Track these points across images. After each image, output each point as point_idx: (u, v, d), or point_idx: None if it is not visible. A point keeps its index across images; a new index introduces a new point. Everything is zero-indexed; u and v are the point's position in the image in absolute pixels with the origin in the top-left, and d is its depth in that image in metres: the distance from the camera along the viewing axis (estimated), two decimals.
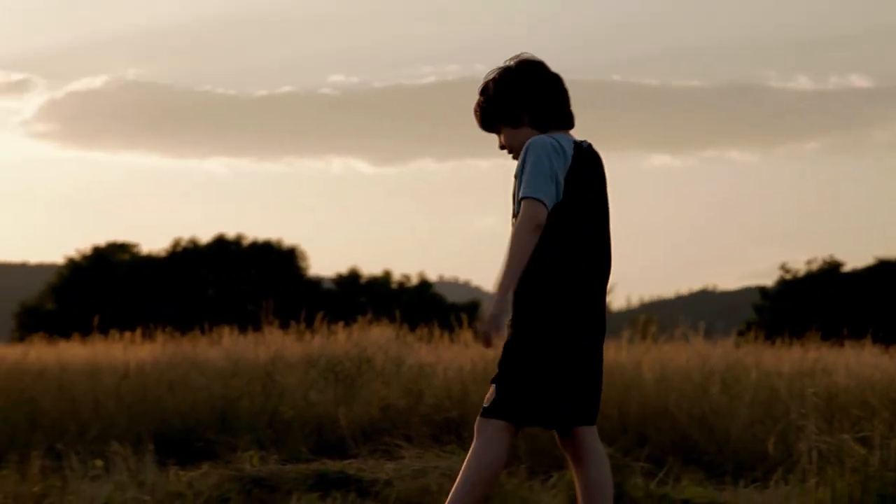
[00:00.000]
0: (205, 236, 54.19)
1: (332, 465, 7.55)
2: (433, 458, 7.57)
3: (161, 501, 6.60)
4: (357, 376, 10.52)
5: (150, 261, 52.64)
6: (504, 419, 4.46)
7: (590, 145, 4.56)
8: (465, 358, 10.92)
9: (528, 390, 4.43)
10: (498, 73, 4.59)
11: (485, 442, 4.47)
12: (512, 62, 4.60)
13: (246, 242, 53.62)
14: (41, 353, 13.02)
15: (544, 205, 4.32)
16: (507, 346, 4.46)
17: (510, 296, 4.39)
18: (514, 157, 4.53)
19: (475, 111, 4.63)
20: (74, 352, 13.70)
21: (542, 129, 4.50)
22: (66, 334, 16.34)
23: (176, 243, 53.29)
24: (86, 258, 52.75)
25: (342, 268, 54.36)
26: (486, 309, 4.41)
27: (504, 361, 4.47)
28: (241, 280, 50.78)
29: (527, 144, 4.43)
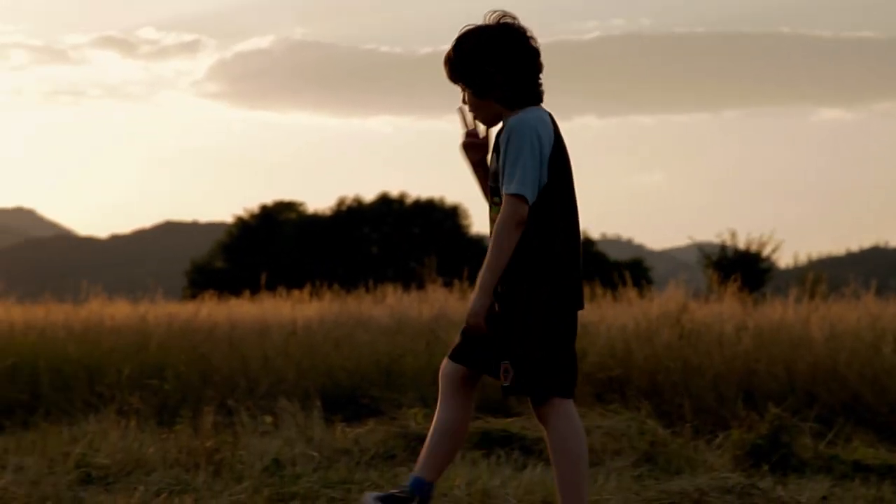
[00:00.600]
0: (369, 195, 54.83)
1: (496, 424, 7.54)
2: (596, 416, 7.54)
3: (328, 457, 6.67)
4: None
5: (316, 219, 53.44)
6: (530, 393, 4.37)
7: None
8: (629, 316, 10.83)
9: (549, 363, 4.32)
10: (476, 31, 4.38)
11: (556, 426, 4.40)
12: (493, 21, 4.37)
13: (409, 201, 54.02)
14: (212, 310, 13.32)
15: (527, 202, 4.23)
16: (514, 323, 4.31)
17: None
18: (485, 124, 4.45)
19: (444, 63, 4.42)
20: (244, 309, 13.97)
21: (509, 106, 4.34)
22: (235, 292, 16.69)
23: (341, 202, 54.00)
24: (253, 217, 53.79)
25: None
26: (475, 304, 4.28)
27: (517, 339, 4.30)
28: (404, 238, 51.26)
29: (511, 125, 4.30)
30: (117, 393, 8.94)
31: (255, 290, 15.78)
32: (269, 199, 59.46)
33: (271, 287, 15.38)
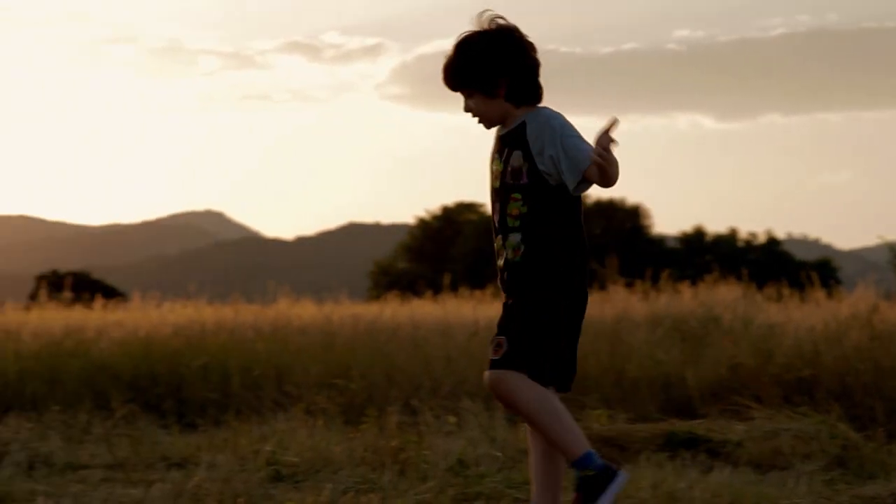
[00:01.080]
0: None
1: (681, 426, 7.47)
2: (784, 419, 7.39)
3: (512, 458, 6.63)
4: (704, 335, 10.35)
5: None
6: (519, 370, 4.44)
7: None
8: (817, 318, 10.57)
9: (542, 348, 4.46)
10: (476, 36, 4.53)
11: (516, 392, 4.44)
12: (489, 25, 4.54)
13: (590, 201, 53.69)
14: (395, 311, 13.44)
15: None
16: (520, 306, 4.49)
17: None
18: (485, 125, 4.59)
19: (445, 68, 4.57)
20: (426, 310, 14.05)
21: (517, 103, 4.52)
22: (417, 293, 16.81)
23: None
24: (435, 218, 54.19)
25: (686, 225, 53.77)
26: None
27: (518, 319, 4.48)
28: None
29: (544, 117, 4.47)
30: (305, 392, 9.07)
31: (437, 291, 15.88)
32: (450, 200, 59.70)
33: (453, 288, 15.45)
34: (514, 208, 4.52)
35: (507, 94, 4.51)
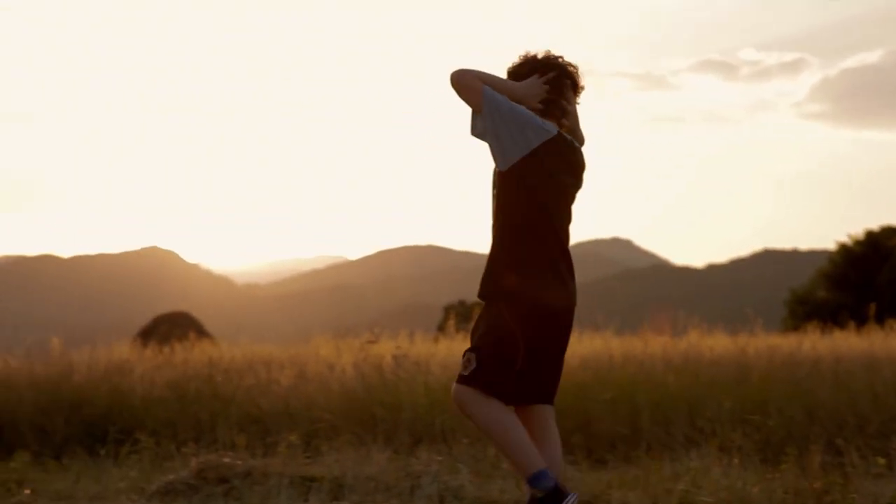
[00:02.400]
0: None
1: None
2: None
3: None
4: None
5: None
6: (480, 390, 4.67)
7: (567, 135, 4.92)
8: None
9: (502, 366, 4.67)
10: (518, 62, 5.03)
11: (477, 409, 4.68)
12: (535, 54, 4.98)
13: None
14: (815, 343, 12.80)
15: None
16: (487, 321, 4.71)
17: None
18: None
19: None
20: (850, 342, 13.33)
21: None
22: (839, 323, 16.04)
23: None
24: (859, 243, 51.91)
25: None
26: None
27: (485, 335, 4.71)
28: None
29: None
30: (718, 428, 8.68)
31: (861, 322, 15.07)
32: (875, 223, 57.14)
33: (878, 319, 14.61)
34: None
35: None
